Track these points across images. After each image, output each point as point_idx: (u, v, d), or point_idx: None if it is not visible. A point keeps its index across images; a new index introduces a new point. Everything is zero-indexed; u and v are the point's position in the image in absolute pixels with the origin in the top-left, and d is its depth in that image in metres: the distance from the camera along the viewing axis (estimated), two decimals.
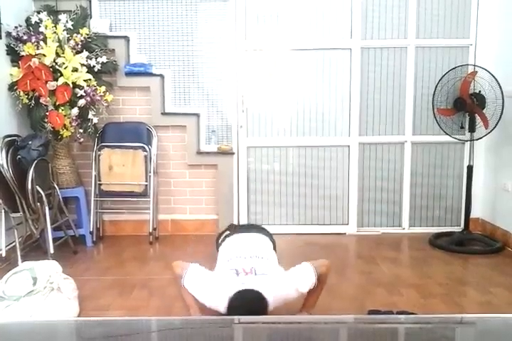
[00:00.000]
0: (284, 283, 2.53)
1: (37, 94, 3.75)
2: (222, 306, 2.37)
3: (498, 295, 3.11)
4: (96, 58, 3.96)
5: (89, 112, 3.98)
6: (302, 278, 2.54)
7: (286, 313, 2.60)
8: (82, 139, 4.04)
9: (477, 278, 3.43)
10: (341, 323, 1.51)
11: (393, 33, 4.33)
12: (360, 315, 2.60)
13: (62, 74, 3.79)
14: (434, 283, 3.33)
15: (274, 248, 2.99)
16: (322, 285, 2.63)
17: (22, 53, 3.75)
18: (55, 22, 3.88)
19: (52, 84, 3.74)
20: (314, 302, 2.66)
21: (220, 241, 3.12)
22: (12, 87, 3.77)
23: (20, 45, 3.76)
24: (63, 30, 3.86)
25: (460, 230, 4.24)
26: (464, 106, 3.96)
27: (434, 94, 4.05)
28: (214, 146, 4.42)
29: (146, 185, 4.22)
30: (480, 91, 3.95)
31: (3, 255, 3.59)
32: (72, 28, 3.92)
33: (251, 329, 1.45)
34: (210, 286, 2.52)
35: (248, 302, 2.29)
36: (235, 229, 3.30)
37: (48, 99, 3.76)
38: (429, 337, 1.41)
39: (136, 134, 4.26)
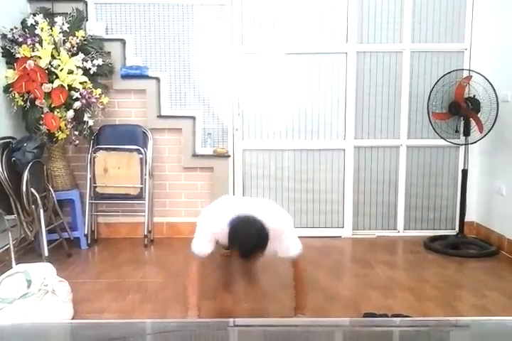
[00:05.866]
0: (282, 220, 2.53)
1: (32, 96, 3.74)
2: (225, 228, 2.33)
3: (492, 299, 3.12)
4: (92, 61, 3.96)
5: (85, 114, 3.98)
6: (294, 237, 2.54)
7: (281, 315, 2.60)
8: (77, 141, 4.04)
9: (472, 282, 3.44)
10: (337, 326, 1.51)
11: (389, 38, 4.35)
12: (355, 318, 2.60)
13: (57, 77, 3.79)
14: (429, 286, 3.34)
15: None
16: (302, 274, 2.63)
17: (17, 55, 3.74)
18: (51, 24, 3.87)
19: (47, 87, 3.73)
20: (303, 299, 2.65)
21: None
22: (7, 89, 3.76)
23: (16, 47, 3.75)
24: (59, 33, 3.85)
25: (455, 233, 4.25)
26: (459, 111, 3.98)
27: (429, 98, 4.06)
28: (210, 149, 4.43)
29: (142, 188, 4.22)
30: (475, 95, 3.98)
31: None
32: (68, 30, 3.92)
33: (246, 333, 1.44)
34: (212, 214, 2.57)
35: (248, 229, 2.27)
36: None
37: (44, 101, 3.75)
38: (424, 339, 1.41)
39: (131, 137, 4.25)
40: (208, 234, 2.49)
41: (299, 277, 2.62)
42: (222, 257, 3.02)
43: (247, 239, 2.25)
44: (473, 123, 3.98)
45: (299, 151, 4.47)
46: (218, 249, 2.60)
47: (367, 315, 2.80)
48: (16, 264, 3.14)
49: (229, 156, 4.41)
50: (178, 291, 3.09)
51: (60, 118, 3.85)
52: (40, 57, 3.75)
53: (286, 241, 2.48)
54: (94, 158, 4.19)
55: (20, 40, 3.75)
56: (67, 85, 3.81)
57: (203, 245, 2.51)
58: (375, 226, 4.55)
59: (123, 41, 4.32)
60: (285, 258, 2.54)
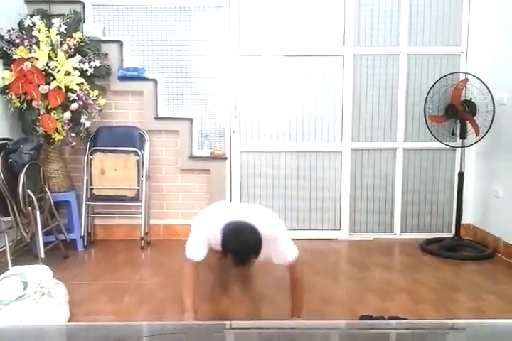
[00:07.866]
0: (275, 226, 2.51)
1: (29, 97, 3.73)
2: (218, 233, 2.33)
3: (488, 301, 3.13)
4: (89, 62, 3.95)
5: (82, 116, 3.97)
6: (288, 242, 2.52)
7: (278, 318, 2.60)
8: (74, 143, 4.03)
9: (468, 284, 3.45)
10: (333, 329, 1.51)
11: (385, 41, 4.37)
12: (352, 321, 2.60)
13: (54, 78, 3.78)
14: (426, 288, 3.34)
15: None
16: (301, 280, 2.60)
17: (14, 56, 3.73)
18: (48, 26, 3.87)
19: (44, 88, 3.73)
20: (301, 303, 2.62)
21: None
22: (4, 90, 3.75)
23: (13, 48, 3.75)
24: (56, 34, 3.85)
25: (451, 236, 4.26)
26: (456, 113, 4.00)
27: (425, 101, 4.08)
28: (207, 151, 4.43)
29: (138, 190, 4.21)
30: (471, 98, 3.99)
31: None
32: (65, 31, 3.91)
33: (243, 335, 1.44)
34: (206, 219, 2.58)
35: (242, 234, 2.27)
36: None
37: (40, 102, 3.75)
38: None
39: (128, 138, 4.25)
40: (201, 238, 2.50)
41: (297, 281, 2.60)
42: (218, 261, 3.02)
43: (241, 245, 2.25)
44: (469, 126, 4.00)
45: (296, 153, 4.47)
46: (212, 253, 2.59)
47: (363, 317, 2.80)
48: (12, 266, 3.12)
49: (226, 158, 4.41)
50: (175, 293, 3.08)
51: (57, 119, 3.85)
52: (37, 59, 3.74)
53: (280, 247, 2.47)
54: (91, 159, 4.18)
55: (18, 41, 3.75)
56: (64, 87, 3.81)
57: (196, 249, 2.51)
58: (372, 229, 4.55)
59: (120, 43, 4.32)
60: (282, 264, 2.53)
